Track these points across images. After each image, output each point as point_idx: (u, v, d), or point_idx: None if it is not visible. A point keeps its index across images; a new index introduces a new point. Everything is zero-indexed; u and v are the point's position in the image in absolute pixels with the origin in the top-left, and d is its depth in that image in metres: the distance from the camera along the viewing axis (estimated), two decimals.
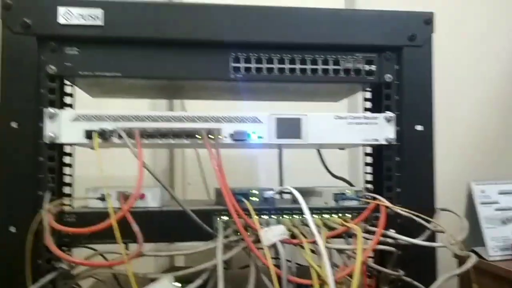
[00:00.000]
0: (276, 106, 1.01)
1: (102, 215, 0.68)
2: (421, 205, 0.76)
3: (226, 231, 0.69)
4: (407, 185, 0.78)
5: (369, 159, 0.88)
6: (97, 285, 0.85)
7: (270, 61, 0.77)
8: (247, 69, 0.77)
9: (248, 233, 0.68)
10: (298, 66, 0.78)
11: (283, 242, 0.65)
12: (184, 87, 0.86)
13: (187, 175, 1.33)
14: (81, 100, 0.87)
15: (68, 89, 0.81)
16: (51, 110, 0.71)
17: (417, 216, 0.72)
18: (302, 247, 0.66)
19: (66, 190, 0.80)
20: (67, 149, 0.80)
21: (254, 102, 0.97)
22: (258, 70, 0.77)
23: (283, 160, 1.10)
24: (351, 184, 0.97)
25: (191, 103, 1.24)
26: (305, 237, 0.67)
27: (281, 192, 0.77)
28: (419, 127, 0.78)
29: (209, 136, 0.73)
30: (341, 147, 0.91)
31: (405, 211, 0.73)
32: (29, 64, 0.71)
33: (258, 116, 0.76)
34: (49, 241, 0.60)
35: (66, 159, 0.80)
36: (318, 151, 1.00)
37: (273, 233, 0.64)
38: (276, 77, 0.78)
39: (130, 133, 0.71)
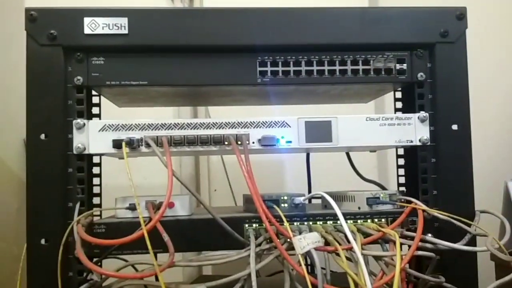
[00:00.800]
0: (303, 110, 1.00)
1: (132, 225, 0.68)
2: (459, 207, 0.73)
3: (257, 240, 0.67)
4: (444, 187, 0.75)
5: (401, 161, 0.86)
6: None
7: (297, 63, 0.75)
8: (274, 73, 0.75)
9: (280, 241, 0.66)
10: (326, 67, 0.76)
11: (317, 249, 0.62)
12: (209, 93, 0.85)
13: (213, 181, 1.32)
14: (107, 110, 0.87)
15: (95, 99, 0.81)
16: (79, 121, 0.71)
17: (456, 219, 0.69)
18: (337, 254, 0.63)
19: (95, 200, 0.80)
20: (96, 159, 0.80)
21: (280, 107, 0.96)
22: (285, 73, 0.75)
23: (311, 165, 1.08)
24: (383, 187, 0.94)
25: (215, 109, 1.23)
26: (339, 243, 0.65)
27: (312, 198, 0.74)
28: (454, 127, 0.75)
29: (237, 142, 0.72)
30: (373, 149, 0.88)
31: (444, 215, 0.70)
32: (56, 75, 0.71)
33: (286, 120, 0.74)
34: (81, 253, 0.60)
35: (95, 170, 0.80)
36: (348, 154, 0.98)
37: (307, 240, 0.62)
38: (304, 79, 0.76)
39: (158, 142, 0.70)
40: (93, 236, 0.68)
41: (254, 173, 0.67)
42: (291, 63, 0.75)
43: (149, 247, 0.57)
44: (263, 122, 0.74)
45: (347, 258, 0.63)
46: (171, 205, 0.75)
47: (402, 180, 0.85)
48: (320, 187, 0.94)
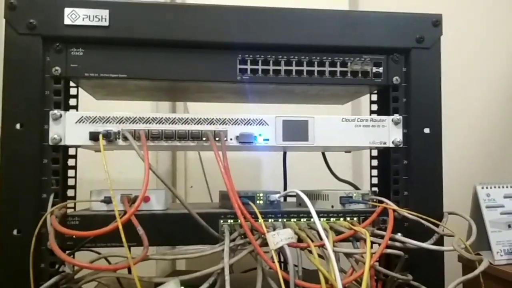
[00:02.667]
0: (281, 109, 1.01)
1: (106, 218, 0.68)
2: (429, 208, 0.75)
3: (232, 235, 0.68)
4: (415, 188, 0.78)
5: (375, 162, 0.88)
6: None
7: (277, 63, 0.77)
8: (254, 71, 0.76)
9: (255, 237, 0.67)
10: (305, 68, 0.77)
11: (290, 245, 0.64)
12: (189, 88, 0.85)
13: (189, 177, 1.32)
14: (85, 102, 0.87)
15: (73, 91, 0.80)
16: (55, 112, 0.71)
17: (425, 219, 0.71)
18: (310, 251, 0.65)
19: (70, 192, 0.79)
20: (71, 151, 0.80)
21: (258, 105, 0.97)
22: (265, 72, 0.76)
23: (288, 164, 1.09)
24: (356, 187, 0.96)
25: (194, 105, 1.23)
26: (312, 240, 0.67)
27: (287, 195, 0.76)
28: (426, 130, 0.78)
29: (215, 138, 0.73)
30: (348, 149, 0.90)
31: (413, 215, 0.72)
32: (34, 65, 0.70)
33: (264, 118, 0.75)
34: (54, 245, 0.59)
35: (70, 162, 0.79)
36: (323, 154, 1.00)
37: (280, 236, 0.63)
38: (283, 79, 0.77)
39: (135, 135, 0.70)
40: (68, 228, 0.68)
41: (231, 170, 0.67)
42: (271, 62, 0.76)
43: (124, 239, 0.57)
44: (241, 119, 0.75)
45: (319, 256, 0.65)
46: (146, 199, 0.75)
47: (375, 180, 0.88)
48: (296, 185, 0.95)
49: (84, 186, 0.81)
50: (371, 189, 0.88)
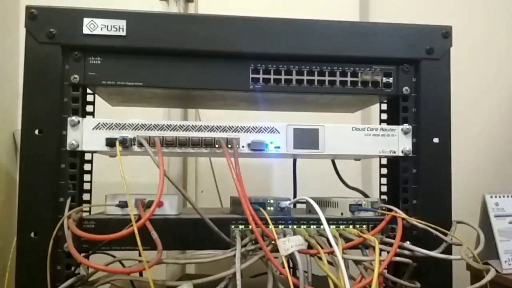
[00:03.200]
0: (293, 117, 1.02)
1: (121, 222, 0.70)
2: (437, 217, 0.76)
3: (244, 240, 0.70)
4: (423, 197, 0.79)
5: (384, 171, 0.89)
6: None
7: (288, 72, 0.78)
8: (266, 80, 0.78)
9: (265, 243, 0.68)
10: (316, 77, 0.79)
11: (300, 252, 0.65)
12: (202, 96, 0.87)
13: (200, 182, 1.34)
14: (100, 108, 0.89)
15: (89, 98, 0.82)
16: (73, 118, 0.73)
17: (433, 228, 0.72)
18: (319, 257, 0.66)
19: (85, 196, 0.81)
20: (87, 156, 0.82)
21: (270, 113, 0.98)
22: (277, 81, 0.78)
23: (298, 170, 1.11)
24: (366, 195, 0.97)
25: (205, 112, 1.25)
26: (321, 247, 0.68)
27: (297, 202, 0.77)
28: (435, 140, 0.79)
29: (228, 145, 0.74)
30: (358, 158, 0.91)
31: (422, 223, 0.73)
32: (54, 73, 0.72)
33: (276, 126, 0.77)
34: (72, 247, 0.61)
35: (86, 166, 0.81)
36: (333, 161, 1.01)
37: (291, 243, 0.65)
38: (294, 88, 0.79)
39: (150, 142, 0.72)
40: (84, 231, 0.70)
41: (242, 175, 0.69)
42: (283, 71, 0.78)
43: (139, 243, 0.59)
44: (253, 127, 0.77)
45: (329, 262, 0.66)
46: (160, 204, 0.77)
47: (384, 188, 0.89)
48: (306, 192, 0.96)
49: (98, 189, 0.83)
50: (380, 197, 0.89)
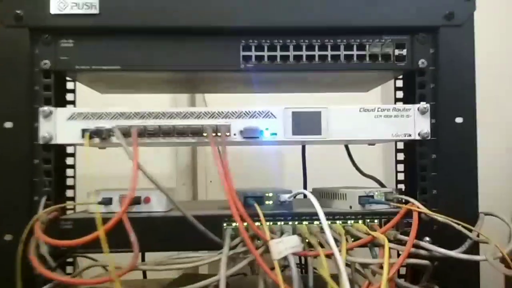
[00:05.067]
0: (297, 99, 0.93)
1: (103, 222, 0.63)
2: (461, 209, 0.66)
3: (234, 241, 0.62)
4: (444, 186, 0.68)
5: (401, 156, 0.79)
6: None
7: (284, 48, 0.69)
8: (259, 58, 0.69)
9: (259, 243, 0.60)
10: (316, 53, 0.69)
11: (297, 254, 0.56)
12: (192, 79, 0.79)
13: (209, 172, 1.26)
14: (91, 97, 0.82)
15: (70, 86, 0.76)
16: (45, 108, 0.66)
17: (456, 222, 0.62)
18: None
19: (69, 193, 0.75)
20: (70, 150, 0.75)
21: (273, 95, 0.89)
22: (272, 58, 0.69)
23: (310, 158, 1.01)
24: (382, 184, 0.87)
25: (212, 97, 1.17)
26: (323, 247, 0.59)
27: (297, 195, 0.68)
28: (458, 119, 0.68)
29: (217, 133, 0.66)
30: (369, 143, 0.81)
31: (442, 217, 0.63)
32: (22, 59, 0.66)
33: (271, 110, 0.68)
34: (33, 257, 0.55)
35: (69, 160, 0.75)
36: (346, 146, 0.91)
37: (284, 245, 0.56)
38: (292, 66, 0.69)
39: (128, 132, 0.65)
40: (60, 233, 0.64)
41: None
42: (278, 47, 0.69)
43: (105, 249, 0.52)
44: (246, 112, 0.68)
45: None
46: (147, 200, 0.70)
47: (401, 176, 0.78)
48: (319, 182, 0.87)
49: (93, 183, 0.76)
50: (397, 186, 0.79)
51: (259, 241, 0.61)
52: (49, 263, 0.61)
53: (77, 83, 0.78)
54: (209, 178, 1.27)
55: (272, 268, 0.55)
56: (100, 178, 1.07)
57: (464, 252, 0.60)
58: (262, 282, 0.56)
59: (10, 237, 0.64)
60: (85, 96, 0.82)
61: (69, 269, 0.75)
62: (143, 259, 0.84)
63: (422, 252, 0.61)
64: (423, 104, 0.69)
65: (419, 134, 0.69)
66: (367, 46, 0.69)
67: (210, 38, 0.68)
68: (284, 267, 0.58)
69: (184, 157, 1.26)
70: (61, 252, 0.65)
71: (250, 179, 1.03)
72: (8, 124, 0.65)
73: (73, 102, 0.77)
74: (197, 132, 0.66)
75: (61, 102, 0.71)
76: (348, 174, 0.92)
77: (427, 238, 0.65)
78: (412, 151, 0.71)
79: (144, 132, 0.66)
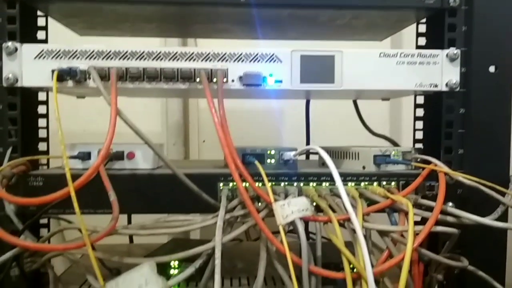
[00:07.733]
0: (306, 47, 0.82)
1: (76, 178, 0.54)
2: (490, 172, 0.57)
3: (232, 203, 0.53)
4: (473, 145, 0.60)
5: (420, 112, 0.70)
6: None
7: None
8: None
9: (261, 206, 0.52)
10: None
11: (305, 219, 0.48)
12: (185, 18, 0.68)
13: (202, 131, 1.17)
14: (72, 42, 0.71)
15: (41, 22, 0.65)
16: (9, 44, 0.56)
17: (487, 186, 0.54)
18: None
19: (42, 146, 0.65)
20: (42, 97, 0.65)
21: (277, 42, 0.79)
22: None
23: (313, 114, 0.92)
24: (395, 144, 0.78)
25: (205, 43, 1.05)
26: (334, 211, 0.50)
27: (306, 153, 0.59)
28: (492, 68, 0.59)
29: (211, 79, 0.56)
30: (386, 96, 0.72)
31: (471, 179, 0.54)
32: None
33: (277, 53, 0.58)
34: None
35: (40, 109, 0.65)
36: (355, 102, 0.82)
37: (291, 207, 0.47)
38: (300, 0, 0.59)
39: (107, 75, 0.55)
40: (29, 190, 0.55)
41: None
42: None
43: (77, 208, 0.43)
44: (246, 54, 0.58)
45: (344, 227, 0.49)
46: (130, 155, 0.60)
47: (419, 135, 0.70)
48: (322, 141, 0.79)
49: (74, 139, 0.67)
50: (414, 145, 0.71)
51: (259, 204, 0.53)
52: (16, 225, 0.53)
53: (51, 21, 0.67)
54: (202, 137, 1.17)
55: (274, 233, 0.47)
56: (84, 135, 0.97)
57: (497, 220, 0.52)
58: (264, 250, 0.48)
59: None
60: (61, 39, 0.71)
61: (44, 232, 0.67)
62: (129, 223, 0.76)
63: (449, 219, 0.52)
64: (453, 50, 0.59)
65: (446, 85, 0.59)
66: None
67: None
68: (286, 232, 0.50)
69: (175, 113, 1.16)
70: (31, 213, 0.56)
71: (244, 141, 0.94)
72: None
73: (45, 42, 0.66)
74: (188, 76, 0.56)
75: (30, 39, 0.60)
76: (353, 133, 0.84)
77: (451, 204, 0.57)
78: (436, 105, 0.62)
79: (125, 76, 0.56)
